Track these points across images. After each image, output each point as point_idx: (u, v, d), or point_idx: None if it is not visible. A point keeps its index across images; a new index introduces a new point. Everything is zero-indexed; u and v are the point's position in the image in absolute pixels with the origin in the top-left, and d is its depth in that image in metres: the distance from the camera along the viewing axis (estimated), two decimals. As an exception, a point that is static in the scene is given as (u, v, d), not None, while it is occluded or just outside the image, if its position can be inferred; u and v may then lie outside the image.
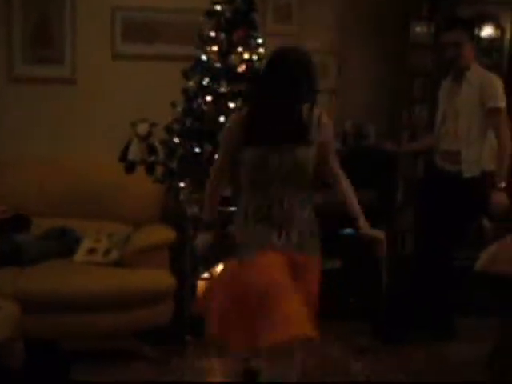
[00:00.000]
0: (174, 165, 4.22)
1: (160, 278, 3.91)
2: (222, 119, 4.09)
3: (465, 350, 4.12)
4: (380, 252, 2.85)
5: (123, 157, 4.40)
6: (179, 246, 4.10)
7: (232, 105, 4.10)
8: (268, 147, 2.73)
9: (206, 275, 4.25)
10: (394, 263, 4.60)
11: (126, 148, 4.42)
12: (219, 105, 4.13)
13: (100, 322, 3.74)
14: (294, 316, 2.56)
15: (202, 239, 3.05)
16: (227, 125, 2.94)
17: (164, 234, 4.11)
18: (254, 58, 4.18)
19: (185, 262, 4.13)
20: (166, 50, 4.69)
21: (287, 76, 2.67)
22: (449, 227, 4.12)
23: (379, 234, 2.85)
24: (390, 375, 3.75)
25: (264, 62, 2.73)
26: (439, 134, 4.19)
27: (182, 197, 4.14)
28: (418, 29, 4.83)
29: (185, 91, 4.20)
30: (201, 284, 4.17)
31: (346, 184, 2.89)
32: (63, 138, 4.67)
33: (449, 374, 3.80)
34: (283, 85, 2.68)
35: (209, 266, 4.25)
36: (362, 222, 2.85)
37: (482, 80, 4.02)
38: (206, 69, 4.17)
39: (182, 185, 4.15)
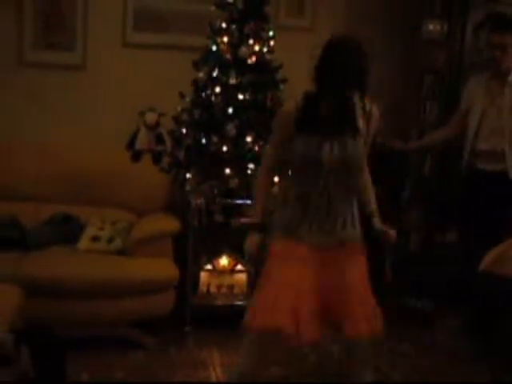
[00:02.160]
0: (180, 155, 4.22)
1: (162, 267, 3.91)
2: (230, 111, 4.09)
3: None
4: (390, 240, 2.83)
5: (130, 145, 4.40)
6: (183, 236, 4.09)
7: (241, 96, 4.10)
8: (319, 137, 2.66)
9: (208, 266, 4.25)
10: (399, 261, 4.58)
11: (134, 136, 4.41)
12: (228, 96, 4.12)
13: (100, 310, 3.75)
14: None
15: (252, 241, 2.76)
16: (281, 110, 2.91)
17: (168, 223, 4.10)
18: (265, 50, 4.17)
19: (188, 253, 4.12)
20: (177, 40, 4.66)
21: (336, 62, 2.61)
22: (498, 227, 4.04)
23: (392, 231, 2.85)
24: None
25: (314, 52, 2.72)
26: (477, 133, 4.15)
27: (187, 187, 4.13)
28: (430, 26, 4.78)
29: (194, 82, 4.20)
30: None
31: (367, 181, 2.91)
32: (70, 125, 4.65)
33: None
34: (332, 71, 2.62)
35: (211, 257, 4.25)
36: (377, 220, 2.87)
37: None
38: (216, 60, 4.16)
39: (188, 175, 4.15)
